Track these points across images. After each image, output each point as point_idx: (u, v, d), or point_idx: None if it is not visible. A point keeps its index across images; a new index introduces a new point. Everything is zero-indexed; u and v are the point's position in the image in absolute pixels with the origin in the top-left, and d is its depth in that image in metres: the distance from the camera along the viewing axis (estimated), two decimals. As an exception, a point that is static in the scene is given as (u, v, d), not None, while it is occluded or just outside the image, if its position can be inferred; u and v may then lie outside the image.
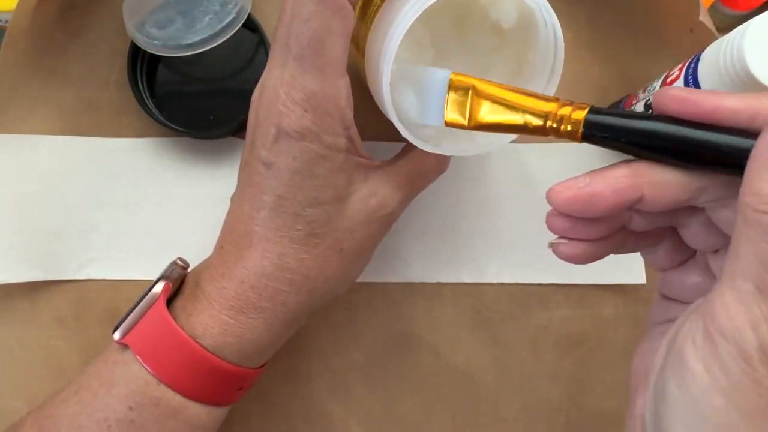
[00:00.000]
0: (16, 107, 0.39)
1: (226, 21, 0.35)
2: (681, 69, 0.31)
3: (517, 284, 0.39)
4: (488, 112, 0.25)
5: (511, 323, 0.39)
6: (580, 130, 0.22)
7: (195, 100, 0.39)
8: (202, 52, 0.35)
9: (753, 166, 0.18)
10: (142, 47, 0.36)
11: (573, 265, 0.38)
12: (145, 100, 0.38)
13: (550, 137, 0.23)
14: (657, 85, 0.33)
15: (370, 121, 0.40)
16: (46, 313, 0.39)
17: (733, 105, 0.19)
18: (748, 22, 0.26)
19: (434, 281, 0.38)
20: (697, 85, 0.29)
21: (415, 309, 0.39)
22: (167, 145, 0.39)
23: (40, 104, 0.39)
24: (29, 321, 0.38)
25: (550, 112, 0.23)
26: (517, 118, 0.24)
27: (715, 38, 0.29)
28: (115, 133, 0.39)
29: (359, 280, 0.38)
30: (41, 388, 0.38)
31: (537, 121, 0.23)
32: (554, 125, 0.23)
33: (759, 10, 0.42)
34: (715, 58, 0.28)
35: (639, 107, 0.34)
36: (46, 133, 0.39)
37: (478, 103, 0.25)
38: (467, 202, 0.39)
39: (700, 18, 0.34)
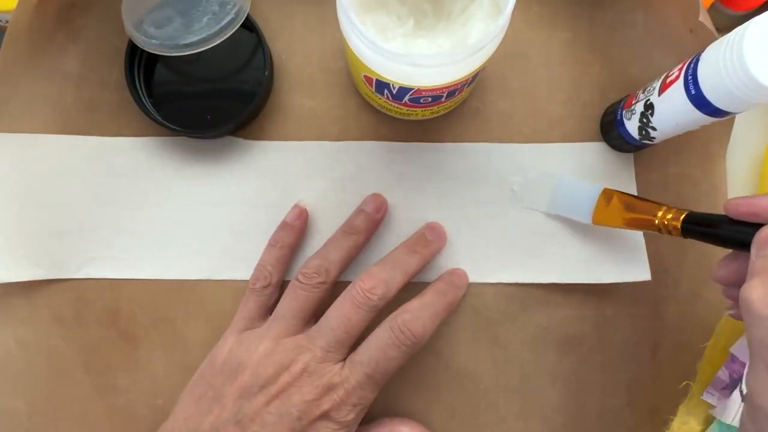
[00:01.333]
0: (16, 106, 0.39)
1: (225, 21, 0.35)
2: (681, 69, 0.31)
3: (517, 284, 0.39)
4: (622, 213, 0.34)
5: (511, 323, 0.39)
6: (679, 233, 0.30)
7: (193, 99, 0.39)
8: (200, 52, 0.35)
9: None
10: (140, 46, 0.36)
11: (573, 264, 0.38)
12: (143, 99, 0.38)
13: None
14: (657, 85, 0.33)
15: (371, 121, 0.40)
16: (45, 312, 0.39)
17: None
18: (747, 22, 0.26)
19: (434, 280, 0.38)
20: (696, 86, 0.29)
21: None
22: (166, 144, 0.39)
23: (40, 103, 0.39)
24: (28, 321, 0.39)
25: (658, 216, 0.31)
26: (640, 219, 0.33)
27: (715, 38, 0.29)
28: (115, 133, 0.40)
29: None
30: (41, 388, 0.38)
31: (652, 221, 0.32)
32: (662, 227, 0.31)
33: (759, 10, 0.42)
34: (714, 58, 0.28)
35: (638, 107, 0.34)
36: (46, 132, 0.39)
37: (617, 207, 0.35)
38: (467, 203, 0.39)
39: (700, 18, 0.34)
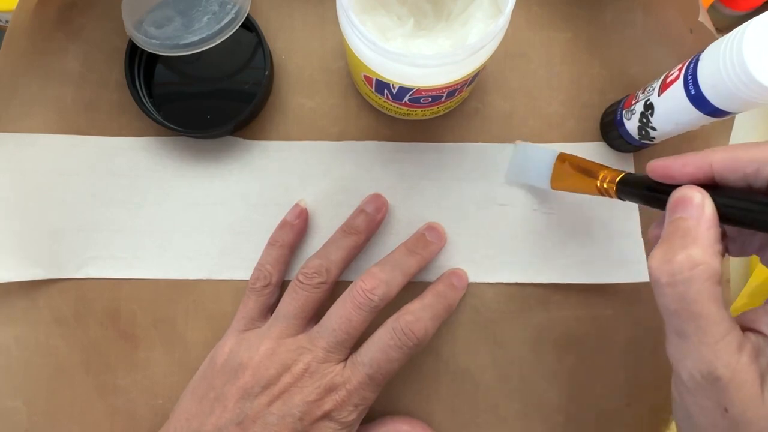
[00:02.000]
0: (15, 106, 0.39)
1: (225, 21, 0.35)
2: (680, 69, 0.31)
3: (517, 284, 0.39)
4: (573, 177, 0.34)
5: (511, 323, 0.39)
6: (615, 194, 0.30)
7: (193, 99, 0.39)
8: (200, 52, 0.35)
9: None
10: (140, 46, 0.36)
11: (572, 265, 0.38)
12: (143, 99, 0.38)
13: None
14: (657, 85, 0.33)
15: (371, 121, 0.40)
16: (45, 312, 0.39)
17: (680, 167, 0.25)
18: (747, 22, 0.26)
19: (434, 281, 0.38)
20: (696, 86, 0.29)
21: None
22: (166, 144, 0.39)
23: (40, 103, 0.39)
24: (28, 320, 0.39)
25: (599, 178, 0.31)
26: (587, 182, 0.32)
27: (715, 38, 0.29)
28: (115, 133, 0.40)
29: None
30: (41, 388, 0.38)
31: (594, 183, 0.32)
32: (602, 189, 0.31)
33: (758, 11, 0.42)
34: (714, 58, 0.28)
35: (638, 107, 0.34)
36: (46, 132, 0.39)
37: (569, 171, 0.35)
38: (466, 202, 0.39)
39: (700, 18, 0.34)
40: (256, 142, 0.40)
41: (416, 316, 0.34)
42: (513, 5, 0.28)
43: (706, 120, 0.30)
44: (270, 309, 0.37)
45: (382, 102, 0.36)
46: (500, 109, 0.40)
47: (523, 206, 0.39)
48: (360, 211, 0.38)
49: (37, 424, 0.38)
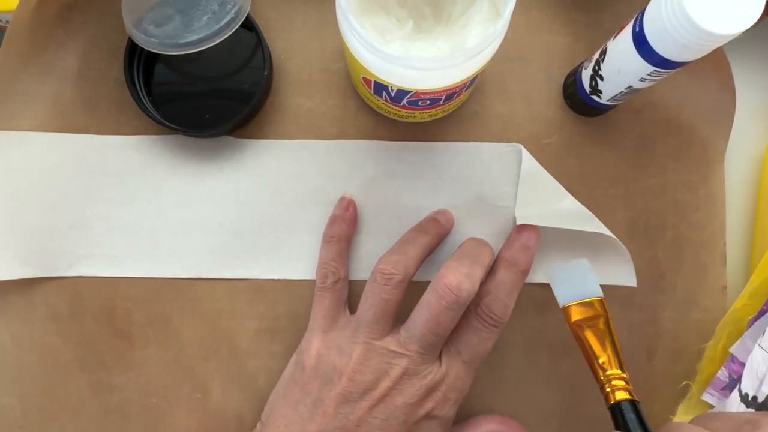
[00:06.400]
0: (14, 103, 0.39)
1: (225, 21, 0.35)
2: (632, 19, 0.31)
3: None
4: (589, 335, 0.33)
5: (506, 326, 0.39)
6: (607, 404, 0.31)
7: (192, 98, 0.39)
8: (199, 51, 0.35)
9: None
10: (140, 44, 0.36)
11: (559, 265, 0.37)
12: (141, 97, 0.38)
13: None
14: (608, 43, 0.33)
15: (369, 123, 0.40)
16: (41, 309, 0.39)
17: None
18: None
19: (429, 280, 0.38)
20: (641, 24, 0.29)
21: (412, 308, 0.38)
22: (161, 142, 0.39)
23: (39, 100, 0.39)
24: (24, 317, 0.39)
25: (605, 377, 0.32)
26: (594, 360, 0.33)
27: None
28: (114, 131, 0.39)
29: (360, 278, 0.38)
30: (35, 384, 0.38)
31: (600, 376, 0.32)
32: (605, 381, 0.32)
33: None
34: (657, 4, 0.27)
35: (596, 55, 0.34)
36: (44, 128, 0.39)
37: (592, 326, 0.33)
38: (463, 203, 0.39)
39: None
40: (251, 141, 0.39)
41: (492, 295, 0.35)
42: (512, 9, 0.28)
43: (646, 67, 0.30)
44: (345, 303, 0.37)
45: (381, 104, 0.36)
46: (499, 113, 0.40)
47: (513, 205, 0.39)
48: (431, 218, 0.38)
49: (31, 421, 0.38)
